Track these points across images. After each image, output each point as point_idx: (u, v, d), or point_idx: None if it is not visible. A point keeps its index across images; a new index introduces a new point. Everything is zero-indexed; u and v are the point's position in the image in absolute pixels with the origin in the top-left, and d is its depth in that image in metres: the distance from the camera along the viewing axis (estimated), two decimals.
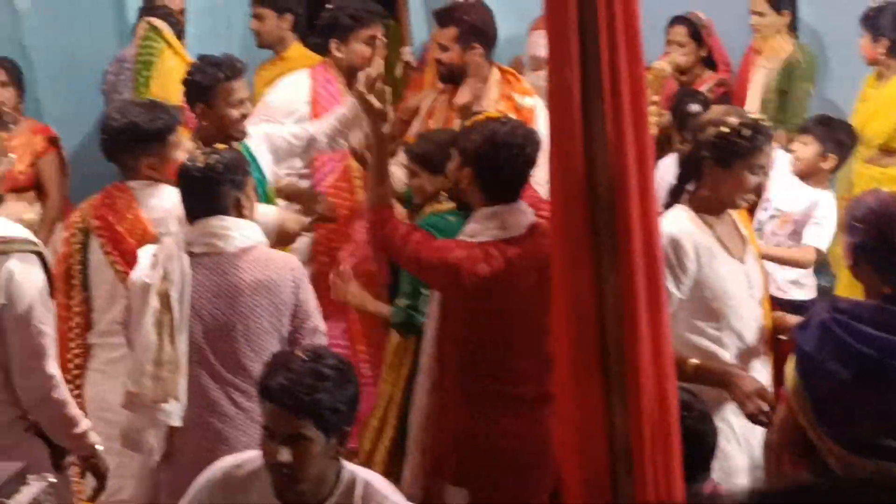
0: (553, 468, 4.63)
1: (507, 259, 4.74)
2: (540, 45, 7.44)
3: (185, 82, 5.80)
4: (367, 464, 5.35)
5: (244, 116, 5.79)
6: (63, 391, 4.45)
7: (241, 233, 4.81)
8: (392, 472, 5.30)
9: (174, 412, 4.70)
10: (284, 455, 3.77)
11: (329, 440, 3.83)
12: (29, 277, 4.32)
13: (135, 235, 5.11)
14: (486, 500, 4.91)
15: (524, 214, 4.90)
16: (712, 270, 4.72)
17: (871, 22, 7.32)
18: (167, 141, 5.32)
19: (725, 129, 4.69)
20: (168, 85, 6.84)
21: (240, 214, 4.83)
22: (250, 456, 4.07)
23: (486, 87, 6.41)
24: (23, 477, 3.78)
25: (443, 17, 6.44)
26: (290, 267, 4.86)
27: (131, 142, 5.25)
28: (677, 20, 7.47)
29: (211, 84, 5.69)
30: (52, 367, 4.41)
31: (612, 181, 3.41)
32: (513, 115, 5.80)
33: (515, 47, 7.94)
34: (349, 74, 6.50)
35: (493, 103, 6.33)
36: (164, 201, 5.19)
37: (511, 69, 6.71)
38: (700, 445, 3.93)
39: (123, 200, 5.20)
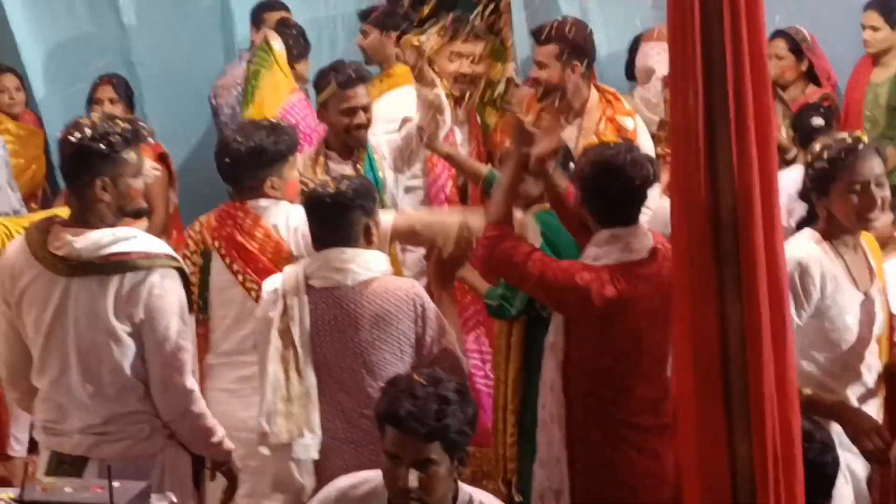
0: (672, 498, 4.57)
1: (632, 283, 4.69)
2: (650, 56, 7.41)
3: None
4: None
5: (359, 126, 5.80)
6: (200, 404, 4.52)
7: (363, 265, 4.81)
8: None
9: (312, 446, 4.76)
10: (413, 480, 3.78)
11: (453, 462, 3.85)
12: (169, 293, 4.38)
13: (267, 252, 5.11)
14: None
15: (645, 237, 4.86)
16: (835, 300, 4.62)
17: None
18: (289, 161, 5.34)
19: (810, 159, 4.67)
20: (267, 100, 6.87)
21: (368, 241, 4.82)
22: (365, 476, 4.10)
23: (586, 111, 6.35)
24: (146, 496, 3.82)
25: (542, 35, 6.39)
26: (410, 297, 4.84)
27: (256, 164, 5.27)
28: (777, 34, 7.38)
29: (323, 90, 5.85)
30: (190, 381, 4.48)
31: (737, 209, 3.37)
32: (616, 138, 5.81)
33: None
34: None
35: (594, 126, 6.28)
36: (291, 220, 5.21)
37: (609, 88, 6.63)
38: (821, 476, 3.86)
39: (248, 219, 5.20)
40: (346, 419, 4.78)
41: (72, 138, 4.38)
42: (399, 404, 3.82)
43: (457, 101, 6.63)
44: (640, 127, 6.30)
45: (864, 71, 7.50)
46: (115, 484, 3.72)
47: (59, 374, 4.45)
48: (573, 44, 6.33)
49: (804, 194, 4.80)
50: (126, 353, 4.37)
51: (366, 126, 5.98)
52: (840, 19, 7.46)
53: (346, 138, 5.91)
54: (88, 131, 4.35)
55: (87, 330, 4.36)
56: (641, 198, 4.84)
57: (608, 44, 8.02)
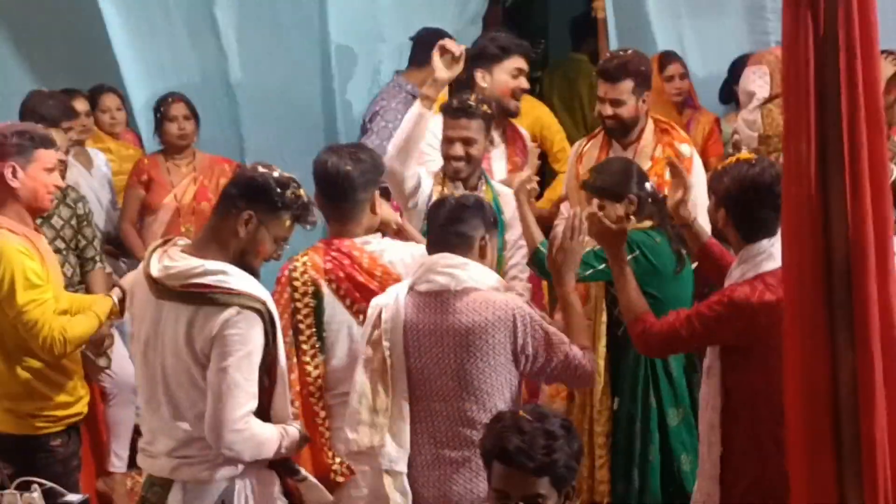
0: None
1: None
2: (752, 80, 7.36)
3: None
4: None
5: (453, 157, 5.91)
6: (250, 433, 4.38)
7: (469, 273, 4.74)
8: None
9: (398, 458, 4.69)
10: None
11: (560, 496, 3.81)
12: (240, 330, 4.31)
13: (387, 285, 5.05)
14: None
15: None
16: None
17: None
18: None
19: None
20: None
21: (482, 255, 4.81)
22: None
23: (642, 137, 6.31)
24: None
25: (617, 72, 6.30)
26: (507, 308, 4.71)
27: (366, 189, 5.17)
28: (884, 53, 7.20)
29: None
30: (239, 420, 4.33)
31: (850, 255, 3.34)
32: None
33: None
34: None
35: (650, 151, 6.22)
36: (405, 255, 5.13)
37: (662, 118, 6.54)
38: None
39: (364, 258, 5.10)
40: (440, 433, 4.70)
41: (261, 169, 4.44)
42: (507, 440, 3.77)
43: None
44: (695, 154, 6.23)
45: None
46: None
47: (150, 394, 4.48)
48: (644, 76, 6.28)
49: None
50: (199, 380, 4.35)
51: (461, 159, 5.93)
52: None
53: (445, 166, 5.89)
54: (277, 175, 4.42)
55: (171, 354, 4.37)
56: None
57: (704, 67, 7.95)
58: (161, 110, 7.41)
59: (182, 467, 4.39)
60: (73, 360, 5.15)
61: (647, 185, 5.59)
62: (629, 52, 6.36)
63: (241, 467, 4.41)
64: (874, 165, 3.32)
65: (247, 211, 4.36)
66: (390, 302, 4.74)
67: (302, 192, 4.48)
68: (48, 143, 4.98)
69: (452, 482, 4.67)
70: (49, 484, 3.94)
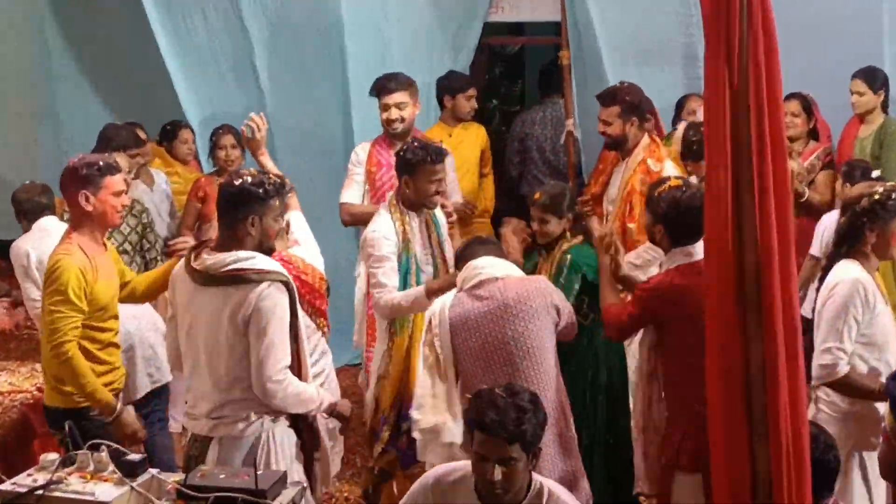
0: None
1: (696, 273, 4.48)
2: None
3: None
4: None
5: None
6: (291, 387, 4.41)
7: (499, 267, 4.88)
8: None
9: (457, 431, 4.72)
10: (498, 474, 3.78)
11: (529, 458, 3.85)
12: (273, 299, 4.34)
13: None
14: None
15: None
16: (877, 312, 4.70)
17: None
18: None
19: (879, 197, 4.75)
20: None
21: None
22: (456, 466, 4.10)
23: (634, 152, 6.31)
24: (284, 482, 3.82)
25: (607, 98, 6.35)
26: (542, 281, 4.96)
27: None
28: (792, 95, 7.25)
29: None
30: (279, 372, 4.37)
31: (759, 261, 3.35)
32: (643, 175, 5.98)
33: None
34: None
35: (634, 164, 6.23)
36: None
37: (655, 137, 6.56)
38: (826, 470, 3.82)
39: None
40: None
41: (235, 181, 4.44)
42: (485, 414, 3.82)
43: None
44: (666, 168, 6.22)
45: (853, 128, 7.38)
46: (260, 471, 3.75)
47: (193, 365, 4.49)
48: (630, 104, 6.28)
49: (847, 230, 4.81)
50: (237, 351, 4.35)
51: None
52: (830, 86, 7.34)
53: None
54: (249, 178, 4.42)
55: (211, 330, 4.38)
56: None
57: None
58: (213, 139, 7.41)
59: (219, 426, 4.41)
60: (108, 348, 5.08)
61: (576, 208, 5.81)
62: (625, 84, 6.42)
63: (266, 425, 4.43)
64: (778, 190, 3.33)
65: (246, 216, 4.38)
66: (436, 310, 4.84)
67: (270, 175, 4.52)
68: (114, 171, 4.94)
69: None
70: (115, 445, 3.93)
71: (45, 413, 5.05)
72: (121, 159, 6.31)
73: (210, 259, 4.38)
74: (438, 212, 5.76)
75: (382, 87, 6.53)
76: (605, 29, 7.83)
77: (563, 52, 7.85)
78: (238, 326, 4.32)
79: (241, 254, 4.35)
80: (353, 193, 6.57)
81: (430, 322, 4.86)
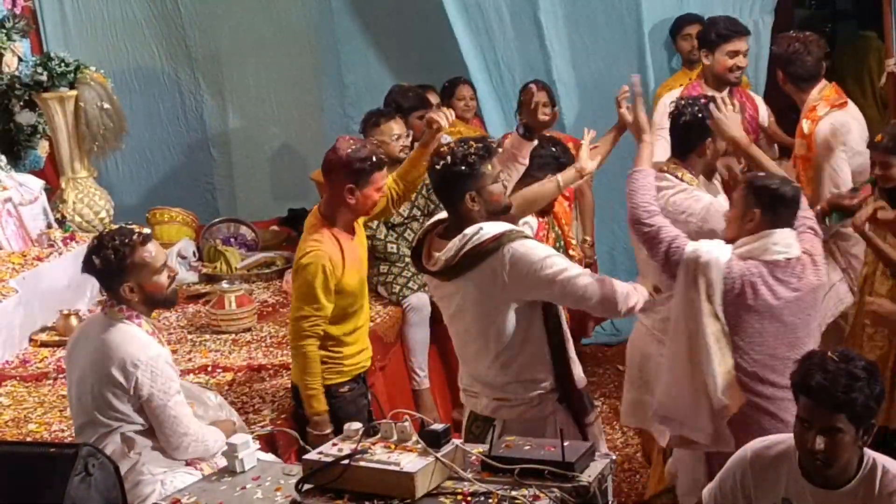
0: None
1: None
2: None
3: None
4: None
5: None
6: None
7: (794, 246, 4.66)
8: None
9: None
10: (820, 444, 3.57)
11: (858, 432, 3.60)
12: (524, 247, 4.26)
13: None
14: None
15: None
16: None
17: None
18: None
19: None
20: None
21: None
22: (778, 439, 3.88)
23: None
24: (591, 454, 3.71)
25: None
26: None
27: None
28: None
29: None
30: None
31: None
32: None
33: None
34: (716, 81, 6.31)
35: None
36: None
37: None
38: None
39: None
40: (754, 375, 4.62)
41: (437, 167, 4.36)
42: (812, 377, 3.59)
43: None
44: None
45: None
46: (566, 443, 3.64)
47: (471, 348, 4.49)
48: None
49: None
50: (510, 324, 4.32)
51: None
52: None
53: None
54: (450, 158, 4.33)
55: (477, 314, 4.36)
56: None
57: None
58: (521, 95, 7.16)
59: (502, 408, 4.43)
60: (358, 332, 5.10)
61: None
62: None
63: (550, 408, 4.42)
64: None
65: (463, 195, 4.31)
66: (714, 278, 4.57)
67: (472, 142, 4.38)
68: (383, 164, 4.89)
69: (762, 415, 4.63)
70: (417, 415, 3.90)
71: (293, 390, 5.09)
72: (396, 125, 6.37)
73: (441, 255, 4.34)
74: None
75: (733, 30, 6.31)
76: None
77: None
78: (509, 297, 4.28)
79: (468, 231, 4.27)
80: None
81: (706, 292, 4.56)
